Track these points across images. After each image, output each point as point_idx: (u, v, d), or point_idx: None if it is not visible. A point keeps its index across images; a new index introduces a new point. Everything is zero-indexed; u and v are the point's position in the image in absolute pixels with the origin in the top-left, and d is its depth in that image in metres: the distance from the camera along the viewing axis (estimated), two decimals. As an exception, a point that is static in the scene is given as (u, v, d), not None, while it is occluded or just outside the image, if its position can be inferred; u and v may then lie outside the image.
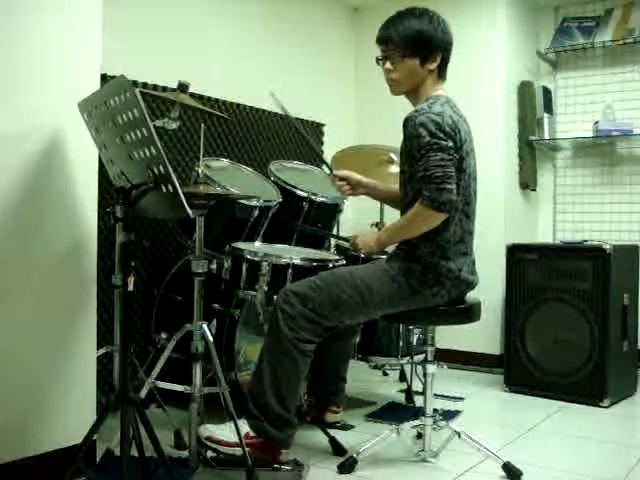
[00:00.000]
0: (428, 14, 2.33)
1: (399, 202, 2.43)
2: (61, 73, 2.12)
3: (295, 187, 3.00)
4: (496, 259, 3.68)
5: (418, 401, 2.82)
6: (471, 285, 2.38)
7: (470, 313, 2.40)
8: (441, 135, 2.19)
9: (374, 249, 2.40)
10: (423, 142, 2.19)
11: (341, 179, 2.58)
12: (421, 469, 2.38)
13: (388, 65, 2.35)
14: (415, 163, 2.22)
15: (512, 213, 4.05)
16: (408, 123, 2.26)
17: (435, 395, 2.56)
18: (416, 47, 2.30)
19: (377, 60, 2.39)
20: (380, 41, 2.37)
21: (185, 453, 2.30)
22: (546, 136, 4.13)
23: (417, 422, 2.43)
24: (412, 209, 2.24)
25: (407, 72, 2.33)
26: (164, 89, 3.06)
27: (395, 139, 2.57)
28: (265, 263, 2.48)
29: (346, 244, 2.66)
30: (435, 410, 2.49)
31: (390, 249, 2.44)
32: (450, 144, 2.20)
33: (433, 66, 2.32)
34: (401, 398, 3.25)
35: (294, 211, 2.98)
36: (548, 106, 4.16)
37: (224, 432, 2.26)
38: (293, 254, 2.62)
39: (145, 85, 3.05)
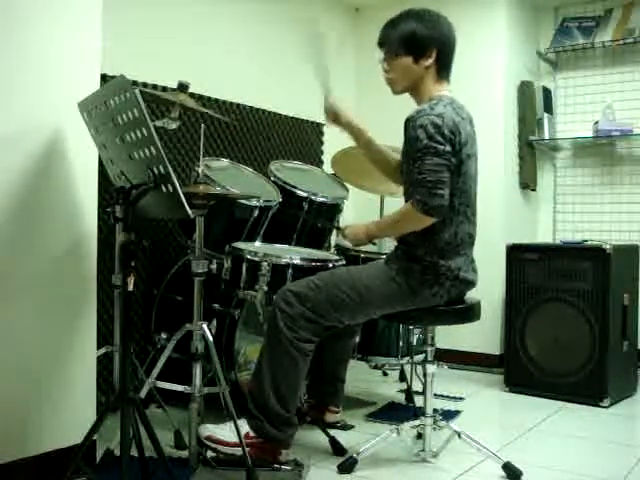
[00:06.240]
0: (424, 13, 2.34)
1: (403, 194, 2.42)
2: (61, 73, 2.12)
3: (295, 187, 3.00)
4: (496, 259, 3.68)
5: (418, 401, 2.81)
6: (471, 284, 2.37)
7: (470, 313, 2.40)
8: (439, 139, 2.18)
9: (362, 240, 2.41)
10: (420, 145, 2.19)
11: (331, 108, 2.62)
12: (421, 469, 2.38)
13: (385, 65, 2.39)
14: (412, 164, 2.23)
15: (512, 213, 4.05)
16: (409, 124, 2.27)
17: (435, 395, 2.57)
18: (407, 45, 2.31)
19: (380, 62, 2.42)
20: (378, 43, 2.42)
21: (185, 453, 2.30)
22: (546, 136, 4.13)
23: (417, 422, 2.43)
24: (402, 207, 2.25)
25: (401, 70, 2.35)
26: (164, 89, 3.06)
27: (395, 139, 2.57)
28: (265, 263, 2.48)
29: (344, 243, 2.67)
30: (435, 410, 2.49)
31: (390, 249, 2.44)
32: (447, 148, 2.19)
33: (428, 62, 2.32)
34: (401, 398, 3.24)
35: (294, 211, 2.98)
36: (548, 106, 4.16)
37: (224, 432, 2.27)
38: (293, 254, 2.62)
39: (145, 85, 3.05)
